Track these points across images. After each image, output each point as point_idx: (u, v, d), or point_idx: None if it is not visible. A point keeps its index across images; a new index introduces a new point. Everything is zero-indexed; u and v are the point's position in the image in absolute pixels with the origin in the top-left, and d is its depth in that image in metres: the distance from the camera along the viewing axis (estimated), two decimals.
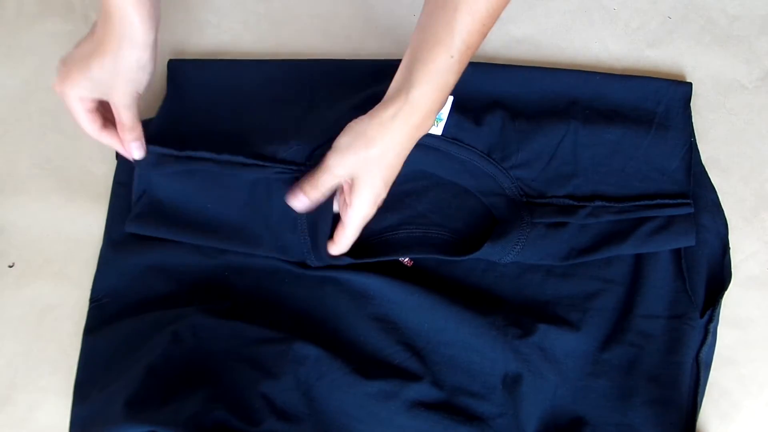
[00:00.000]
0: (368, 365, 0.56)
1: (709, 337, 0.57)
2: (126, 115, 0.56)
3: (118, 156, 0.65)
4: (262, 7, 0.71)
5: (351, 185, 0.54)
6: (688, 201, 0.59)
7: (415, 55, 0.50)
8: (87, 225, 0.65)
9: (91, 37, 0.55)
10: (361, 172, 0.53)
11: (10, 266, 0.65)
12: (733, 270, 0.58)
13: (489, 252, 0.57)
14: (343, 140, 0.53)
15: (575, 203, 0.59)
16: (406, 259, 0.60)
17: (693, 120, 0.63)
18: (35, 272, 0.64)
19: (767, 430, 0.57)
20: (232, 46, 0.70)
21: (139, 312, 0.59)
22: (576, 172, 0.61)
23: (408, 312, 0.57)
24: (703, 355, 0.56)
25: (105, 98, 0.55)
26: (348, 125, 0.53)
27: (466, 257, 0.57)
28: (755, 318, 0.59)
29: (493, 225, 0.60)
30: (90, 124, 0.57)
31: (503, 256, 0.58)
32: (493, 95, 0.61)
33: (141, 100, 0.57)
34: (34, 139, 0.68)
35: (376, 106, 0.52)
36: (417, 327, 0.57)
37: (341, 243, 0.56)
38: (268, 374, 0.55)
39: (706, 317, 0.57)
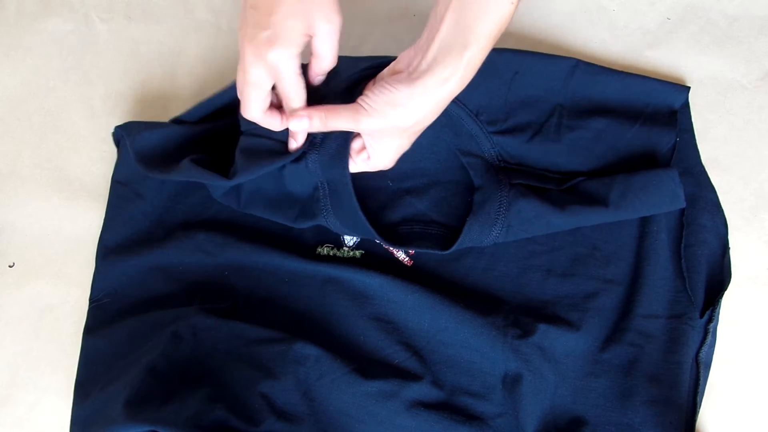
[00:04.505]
0: (368, 365, 0.56)
1: (709, 337, 0.57)
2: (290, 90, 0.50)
3: (119, 153, 0.65)
4: None
5: (374, 137, 0.52)
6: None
7: (465, 5, 0.45)
8: (87, 225, 0.65)
9: None
10: (391, 133, 0.51)
11: (10, 266, 0.65)
12: (733, 270, 0.58)
13: (473, 227, 0.57)
14: (377, 104, 0.49)
15: (551, 175, 0.60)
16: (406, 259, 0.60)
17: (693, 120, 0.63)
18: (35, 272, 0.64)
19: (767, 430, 0.57)
20: (232, 45, 0.70)
21: (139, 312, 0.59)
22: (558, 151, 0.61)
23: (408, 312, 0.57)
24: (702, 355, 0.56)
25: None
26: (383, 84, 0.49)
27: (454, 246, 0.57)
28: (755, 318, 0.59)
29: None
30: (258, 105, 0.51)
31: (488, 228, 0.57)
32: (492, 70, 0.60)
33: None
34: (34, 139, 0.69)
35: (420, 66, 0.47)
36: (417, 327, 0.57)
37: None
38: (268, 374, 0.55)
39: (705, 317, 0.57)
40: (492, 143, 0.61)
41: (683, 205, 0.57)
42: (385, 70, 0.53)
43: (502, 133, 0.61)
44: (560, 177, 0.60)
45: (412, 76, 0.48)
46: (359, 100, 0.50)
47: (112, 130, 0.64)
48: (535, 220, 0.57)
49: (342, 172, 0.55)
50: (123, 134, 0.62)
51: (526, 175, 0.60)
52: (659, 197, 0.57)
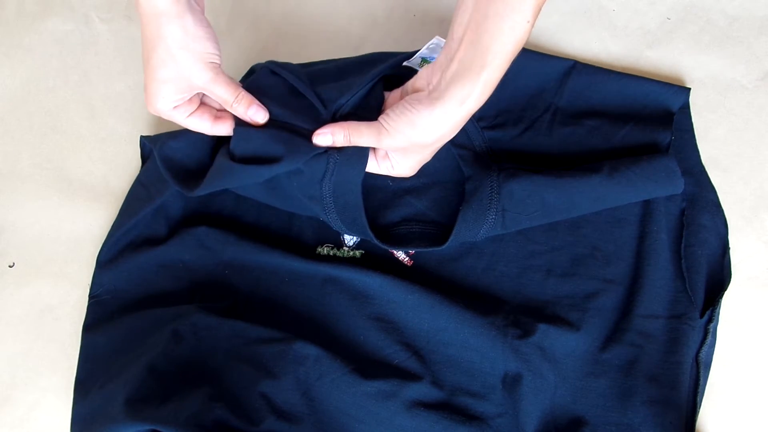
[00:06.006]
0: (368, 365, 0.56)
1: (709, 337, 0.57)
2: (219, 91, 0.53)
3: (146, 161, 0.64)
4: (262, 6, 0.71)
5: (397, 153, 0.53)
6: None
7: (481, 25, 0.45)
8: (87, 225, 0.65)
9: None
10: (413, 150, 0.52)
11: (10, 266, 0.65)
12: (733, 270, 0.58)
13: (467, 216, 0.57)
14: (398, 124, 0.50)
15: (541, 167, 0.60)
16: (406, 259, 0.60)
17: (693, 120, 0.63)
18: (35, 272, 0.64)
19: (767, 430, 0.57)
20: (232, 46, 0.70)
21: (140, 309, 0.59)
22: (549, 145, 0.61)
23: (408, 312, 0.57)
24: (702, 355, 0.56)
25: (191, 89, 0.53)
26: (404, 105, 0.50)
27: (450, 237, 0.57)
28: (755, 318, 0.59)
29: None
30: (200, 124, 0.55)
31: (482, 215, 0.56)
32: None
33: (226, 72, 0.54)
34: (34, 139, 0.69)
35: (439, 85, 0.48)
36: (417, 327, 0.57)
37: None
38: (268, 374, 0.55)
39: (705, 317, 0.57)
40: (483, 137, 0.61)
41: (680, 180, 0.57)
42: (408, 85, 0.54)
43: (492, 128, 0.62)
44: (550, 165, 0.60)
45: (432, 95, 0.49)
46: (381, 119, 0.52)
47: (138, 140, 0.64)
48: (529, 199, 0.56)
49: (357, 174, 0.55)
50: (150, 145, 0.61)
51: (517, 163, 0.60)
52: (653, 170, 0.57)
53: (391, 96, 0.57)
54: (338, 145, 0.54)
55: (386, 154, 0.56)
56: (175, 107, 0.53)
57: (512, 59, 0.47)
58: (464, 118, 0.49)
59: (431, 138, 0.50)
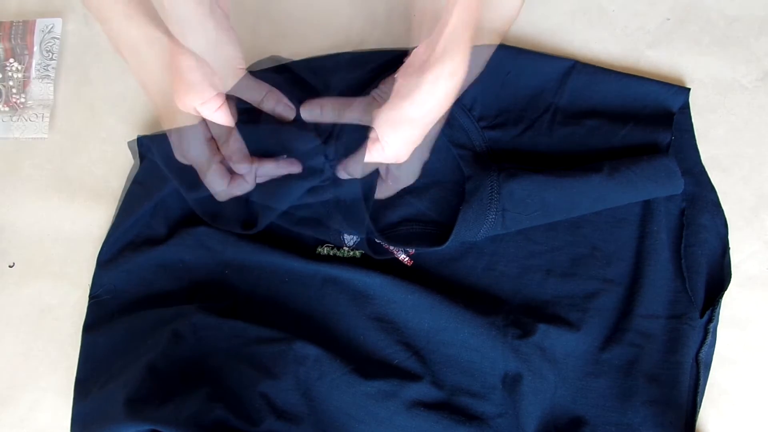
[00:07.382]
0: (368, 365, 0.56)
1: (709, 337, 0.57)
2: (246, 94, 0.55)
3: (143, 161, 0.64)
4: (262, 6, 0.71)
5: (386, 128, 0.53)
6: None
7: (471, 2, 0.46)
8: (87, 225, 0.65)
9: None
10: (401, 122, 0.52)
11: (10, 266, 0.65)
12: (733, 270, 0.58)
13: (467, 215, 0.57)
14: (387, 95, 0.51)
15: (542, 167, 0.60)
16: (406, 259, 0.60)
17: (693, 120, 0.63)
18: (35, 272, 0.64)
19: (767, 430, 0.57)
20: None
21: (140, 309, 0.59)
22: (549, 145, 0.61)
23: (408, 312, 0.57)
24: (702, 355, 0.56)
25: (218, 90, 0.52)
26: (394, 77, 0.51)
27: (450, 237, 0.57)
28: (755, 318, 0.59)
29: None
30: (225, 119, 0.54)
31: (482, 214, 0.57)
32: (487, 66, 0.60)
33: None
34: (34, 139, 0.69)
35: (429, 59, 0.48)
36: (417, 327, 0.57)
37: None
38: (268, 374, 0.55)
39: (705, 317, 0.57)
40: (483, 137, 0.61)
41: (680, 180, 0.57)
42: (400, 69, 0.54)
43: (492, 127, 0.62)
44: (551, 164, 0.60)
45: (422, 68, 0.49)
46: (372, 92, 0.53)
47: (134, 138, 0.64)
48: (529, 199, 0.56)
49: (354, 168, 0.56)
50: (149, 144, 0.62)
51: (517, 162, 0.60)
52: (653, 170, 0.57)
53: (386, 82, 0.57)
54: (327, 120, 0.54)
55: (377, 137, 0.55)
56: (202, 103, 0.53)
57: (502, 36, 0.48)
58: (452, 92, 0.49)
59: (419, 109, 0.50)
